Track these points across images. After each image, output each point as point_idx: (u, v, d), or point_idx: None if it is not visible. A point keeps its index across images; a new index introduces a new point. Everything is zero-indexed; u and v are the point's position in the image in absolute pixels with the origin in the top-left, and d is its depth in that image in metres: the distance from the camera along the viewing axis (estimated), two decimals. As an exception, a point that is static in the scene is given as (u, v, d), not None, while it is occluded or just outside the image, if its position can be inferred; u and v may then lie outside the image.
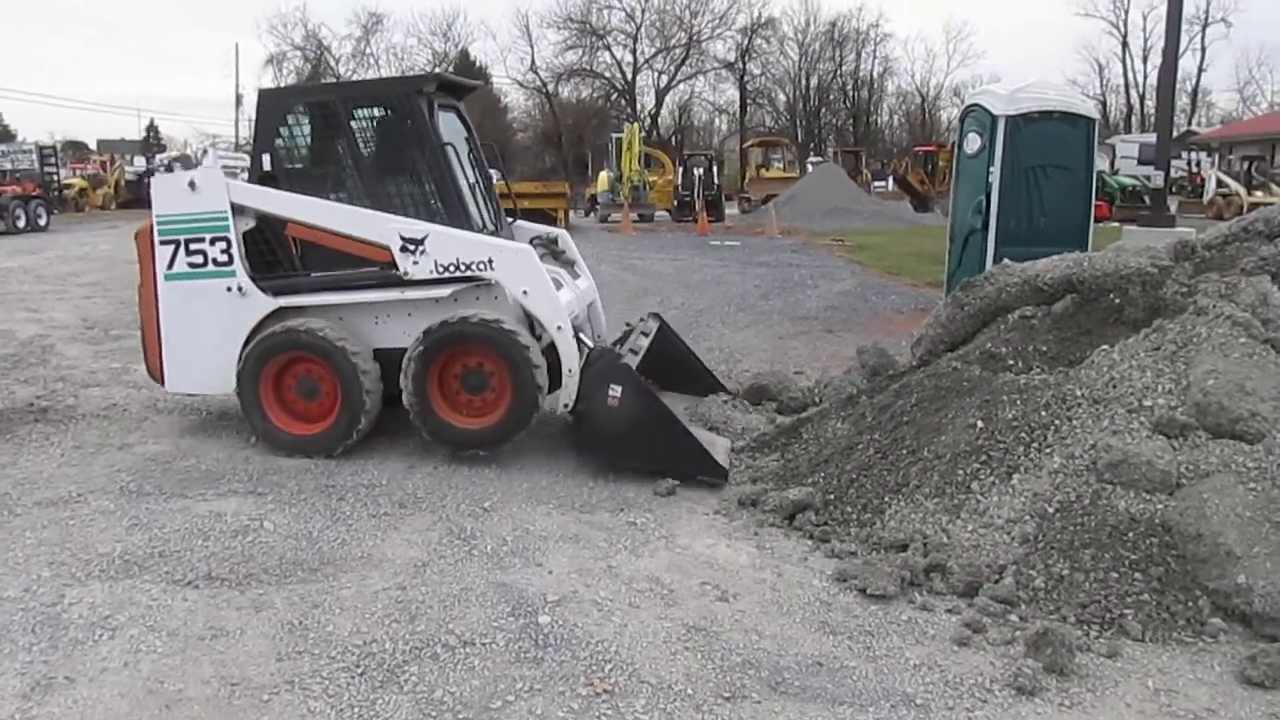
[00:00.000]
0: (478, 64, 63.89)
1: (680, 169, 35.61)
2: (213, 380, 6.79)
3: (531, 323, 6.51)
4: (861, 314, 12.94)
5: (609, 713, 3.59)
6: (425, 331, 6.30)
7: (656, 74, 66.38)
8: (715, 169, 35.76)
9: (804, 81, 69.26)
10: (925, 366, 6.39)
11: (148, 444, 6.90)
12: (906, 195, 39.81)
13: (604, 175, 35.41)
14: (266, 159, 6.81)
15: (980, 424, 5.26)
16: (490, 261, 6.37)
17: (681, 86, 67.52)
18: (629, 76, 65.42)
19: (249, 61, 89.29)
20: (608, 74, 65.62)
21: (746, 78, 66.69)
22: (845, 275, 17.00)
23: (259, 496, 5.79)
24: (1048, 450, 4.97)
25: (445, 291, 6.41)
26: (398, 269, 6.43)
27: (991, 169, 10.09)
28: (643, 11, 64.04)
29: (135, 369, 9.23)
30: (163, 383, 6.96)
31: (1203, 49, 63.45)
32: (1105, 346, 5.48)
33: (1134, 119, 63.75)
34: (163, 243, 6.65)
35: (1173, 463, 4.62)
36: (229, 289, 6.60)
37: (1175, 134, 46.68)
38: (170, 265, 6.66)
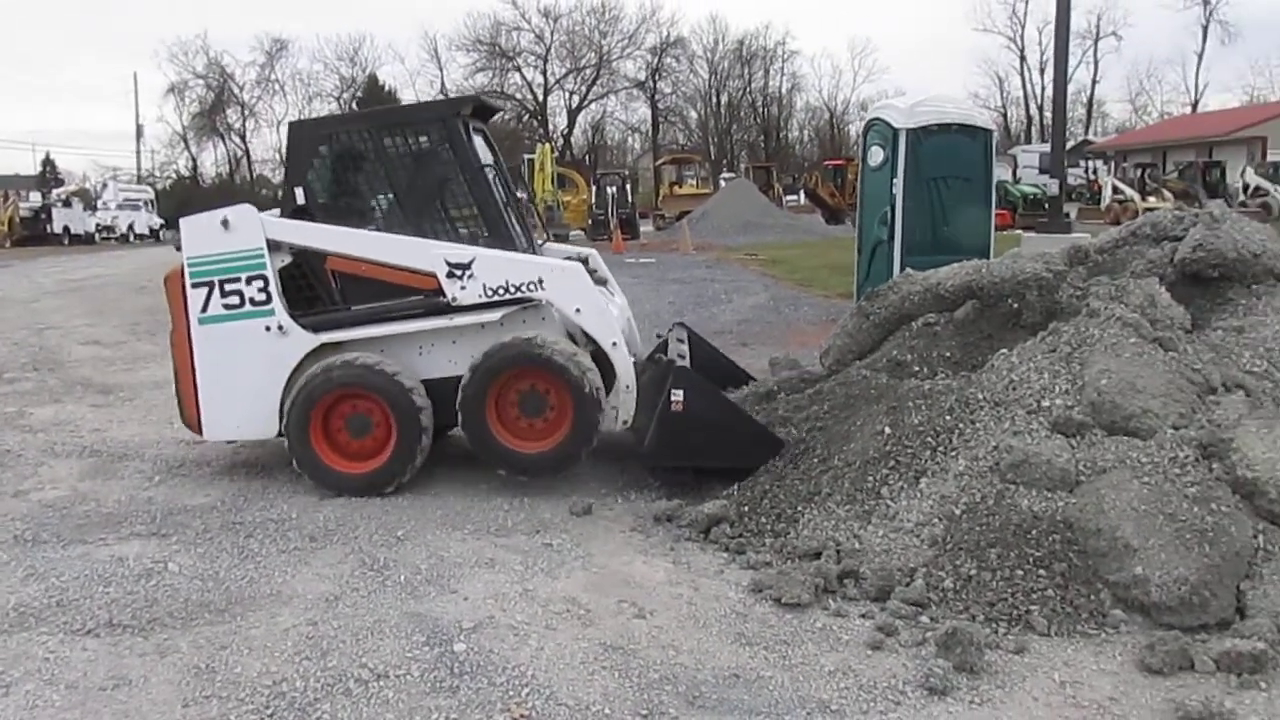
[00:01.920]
0: (387, 88, 63.50)
1: (594, 188, 35.77)
2: (254, 425, 6.48)
3: (575, 339, 6.42)
4: (775, 326, 13.11)
5: (526, 739, 3.55)
6: (483, 355, 6.15)
7: (568, 94, 66.94)
8: (629, 187, 36.03)
9: (714, 99, 70.41)
10: (834, 375, 6.50)
11: (44, 490, 6.63)
12: (818, 208, 40.49)
13: (517, 197, 35.29)
14: (300, 193, 6.56)
15: (888, 430, 5.36)
16: (540, 281, 6.25)
17: (593, 106, 68.19)
18: (540, 97, 65.73)
19: (149, 91, 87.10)
20: (519, 95, 65.79)
21: (658, 96, 67.57)
22: (758, 289, 17.22)
23: (163, 538, 5.60)
24: (953, 453, 5.09)
25: (495, 315, 6.28)
26: (444, 296, 6.26)
27: (895, 181, 10.32)
28: (552, 33, 64.61)
29: (31, 413, 8.91)
30: (200, 432, 6.61)
31: (1095, 62, 66.28)
32: (1004, 350, 5.64)
33: (1034, 130, 66.00)
34: (195, 285, 6.35)
35: (1071, 461, 4.76)
36: (268, 328, 6.32)
37: (1073, 144, 48.56)
38: (204, 308, 6.35)
